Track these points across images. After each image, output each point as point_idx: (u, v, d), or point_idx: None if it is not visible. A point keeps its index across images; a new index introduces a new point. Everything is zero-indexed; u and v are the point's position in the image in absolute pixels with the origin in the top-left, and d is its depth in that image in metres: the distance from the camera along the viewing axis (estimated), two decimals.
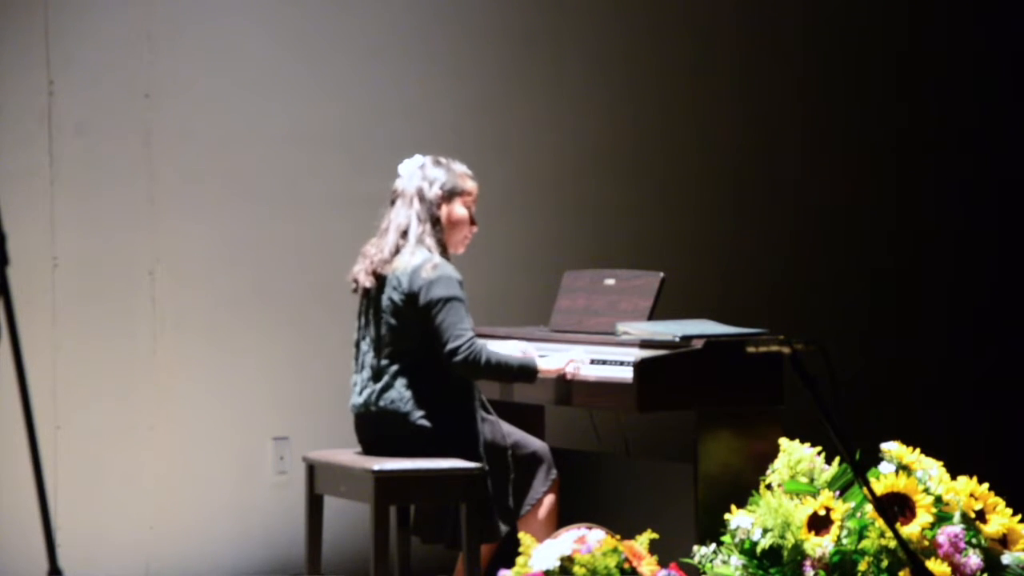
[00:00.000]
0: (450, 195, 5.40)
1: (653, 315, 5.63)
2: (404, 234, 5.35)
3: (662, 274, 5.69)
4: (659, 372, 5.24)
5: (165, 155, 6.34)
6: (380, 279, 5.34)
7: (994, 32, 7.95)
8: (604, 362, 5.42)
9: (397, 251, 5.33)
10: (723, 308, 6.49)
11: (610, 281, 5.82)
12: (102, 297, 6.26)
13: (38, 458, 3.05)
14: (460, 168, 5.47)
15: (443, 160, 5.47)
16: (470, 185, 5.46)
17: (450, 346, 5.22)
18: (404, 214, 5.37)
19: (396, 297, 5.28)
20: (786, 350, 4.00)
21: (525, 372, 5.36)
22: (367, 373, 5.35)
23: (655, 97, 7.25)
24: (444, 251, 5.38)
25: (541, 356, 5.48)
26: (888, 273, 7.74)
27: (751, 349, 4.13)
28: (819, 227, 7.59)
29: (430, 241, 5.34)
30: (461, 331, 5.22)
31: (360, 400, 5.36)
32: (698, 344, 5.28)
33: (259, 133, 6.49)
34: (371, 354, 5.34)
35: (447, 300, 5.24)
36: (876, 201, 7.73)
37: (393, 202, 5.43)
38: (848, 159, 7.67)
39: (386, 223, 5.42)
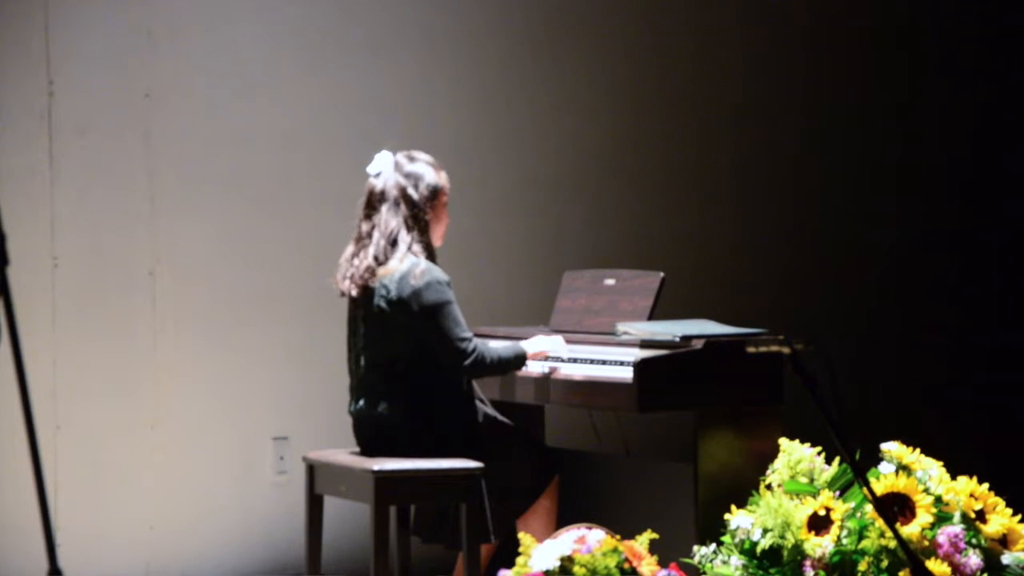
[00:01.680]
0: (434, 194, 5.34)
1: (653, 315, 5.62)
2: (393, 242, 5.27)
3: (662, 274, 5.69)
4: (659, 372, 5.24)
5: (165, 155, 6.34)
6: (366, 288, 5.29)
7: (995, 28, 7.95)
8: (604, 362, 5.42)
9: (385, 259, 5.26)
10: (723, 308, 6.49)
11: (610, 281, 5.81)
12: (102, 297, 6.26)
13: (38, 458, 3.05)
14: (432, 161, 5.38)
15: (414, 155, 5.36)
16: (445, 179, 5.38)
17: (456, 353, 5.21)
18: (394, 221, 5.27)
19: (384, 304, 5.23)
20: (786, 350, 4.00)
21: (519, 360, 5.39)
22: (361, 380, 5.33)
23: (655, 97, 7.25)
24: (431, 254, 5.33)
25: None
26: (888, 273, 7.74)
27: (751, 349, 4.12)
28: (819, 227, 7.59)
29: (417, 247, 5.27)
30: (463, 336, 5.22)
31: (357, 406, 5.35)
32: (698, 344, 5.28)
33: (259, 133, 6.49)
34: (363, 361, 5.31)
35: (441, 306, 5.21)
36: (877, 201, 7.73)
37: (373, 205, 5.31)
38: (848, 159, 7.67)
39: (367, 227, 5.30)
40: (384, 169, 5.32)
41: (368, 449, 5.36)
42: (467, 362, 5.22)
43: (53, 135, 6.19)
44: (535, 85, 7.00)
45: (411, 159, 5.32)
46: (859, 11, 7.70)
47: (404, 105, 6.72)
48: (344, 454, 5.38)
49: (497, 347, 5.34)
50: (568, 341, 5.64)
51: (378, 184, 5.31)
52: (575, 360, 5.51)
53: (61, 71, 6.20)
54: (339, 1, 6.63)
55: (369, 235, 5.29)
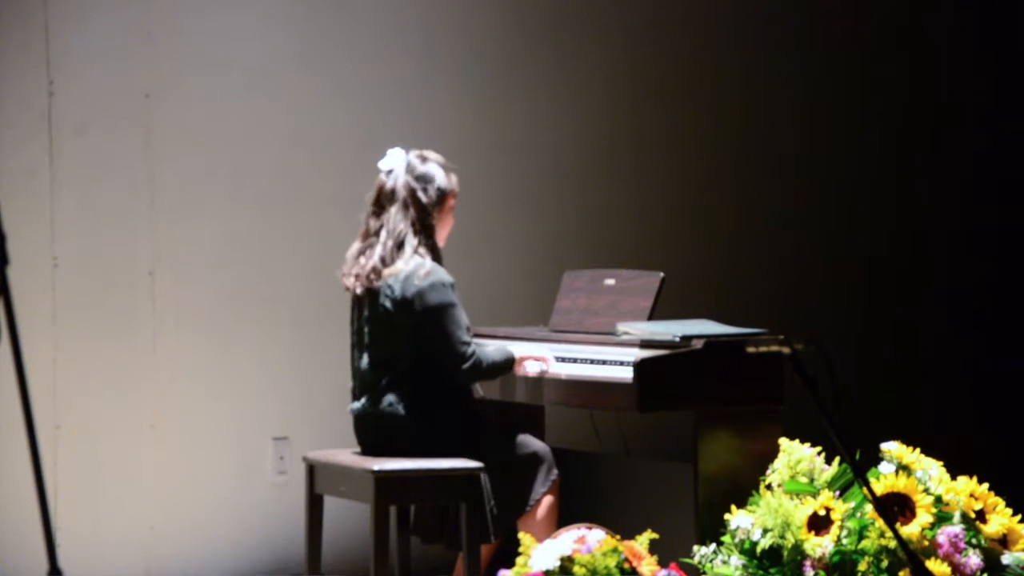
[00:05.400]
0: (443, 198, 5.36)
1: (653, 315, 5.62)
2: (400, 245, 5.29)
3: (662, 274, 5.69)
4: (659, 372, 5.24)
5: (165, 155, 6.34)
6: (371, 288, 5.30)
7: (995, 28, 7.95)
8: (604, 362, 5.42)
9: (392, 261, 5.29)
10: (723, 308, 6.49)
11: (610, 281, 5.82)
12: (102, 297, 6.26)
13: (38, 458, 3.05)
14: (442, 161, 5.40)
15: (427, 155, 5.40)
16: (455, 181, 5.41)
17: (455, 356, 5.23)
18: (402, 224, 5.30)
19: (389, 304, 5.26)
20: (786, 350, 4.00)
21: (508, 363, 5.41)
22: (363, 377, 5.34)
23: (655, 97, 7.24)
24: (436, 256, 5.35)
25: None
26: (888, 273, 7.74)
27: (751, 349, 4.12)
28: (819, 227, 7.58)
29: (423, 250, 5.30)
30: (463, 339, 5.24)
31: (358, 405, 5.36)
32: (698, 344, 5.28)
33: (259, 133, 6.49)
34: (366, 359, 5.33)
35: (444, 308, 5.23)
36: (876, 201, 7.73)
37: (381, 204, 5.34)
38: (849, 159, 7.67)
39: (375, 225, 5.34)
40: (396, 167, 5.34)
41: (368, 448, 5.37)
42: (465, 366, 5.25)
43: (53, 135, 6.19)
44: (535, 85, 7.00)
45: (423, 160, 5.35)
46: (858, 11, 7.69)
47: (404, 105, 6.72)
48: (344, 454, 5.38)
49: (490, 352, 5.35)
50: (568, 341, 5.64)
51: (389, 182, 5.34)
52: (575, 360, 5.52)
53: (61, 71, 6.20)
54: (340, 1, 6.63)
55: (376, 234, 5.32)
